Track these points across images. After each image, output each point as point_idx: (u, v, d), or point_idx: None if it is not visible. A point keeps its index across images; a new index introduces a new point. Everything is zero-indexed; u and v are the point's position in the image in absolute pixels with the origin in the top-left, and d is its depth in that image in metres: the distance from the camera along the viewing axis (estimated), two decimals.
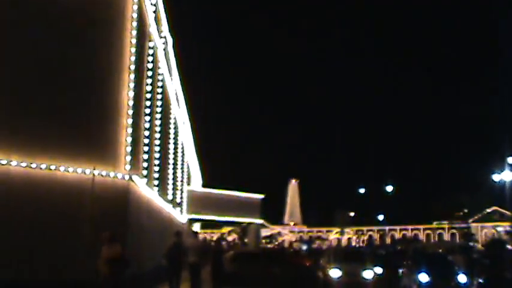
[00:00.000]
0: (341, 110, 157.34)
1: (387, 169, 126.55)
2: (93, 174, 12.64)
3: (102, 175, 12.95)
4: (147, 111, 15.76)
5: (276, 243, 75.86)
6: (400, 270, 18.11)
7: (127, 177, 13.31)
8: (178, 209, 27.81)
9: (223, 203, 40.24)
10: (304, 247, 69.97)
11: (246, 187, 46.19)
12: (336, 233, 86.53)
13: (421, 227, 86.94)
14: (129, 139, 13.49)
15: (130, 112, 13.64)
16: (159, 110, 18.23)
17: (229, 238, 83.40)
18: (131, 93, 13.79)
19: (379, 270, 19.88)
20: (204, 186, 48.06)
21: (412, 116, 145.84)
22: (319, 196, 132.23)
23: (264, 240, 72.81)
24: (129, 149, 13.42)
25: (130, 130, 13.54)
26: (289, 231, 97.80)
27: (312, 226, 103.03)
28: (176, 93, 25.49)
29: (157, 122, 18.12)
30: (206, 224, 60.97)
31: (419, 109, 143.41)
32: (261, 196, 43.60)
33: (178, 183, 27.37)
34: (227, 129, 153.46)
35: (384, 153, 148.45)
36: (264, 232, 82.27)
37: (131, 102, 13.72)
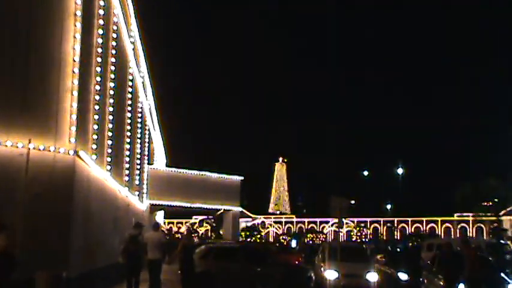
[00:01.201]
0: (338, 74, 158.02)
1: (397, 148, 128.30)
2: (28, 149, 12.44)
3: (39, 149, 12.83)
4: (98, 69, 15.58)
5: (259, 236, 76.65)
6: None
7: (72, 152, 13.22)
8: (137, 193, 27.87)
9: (193, 186, 40.42)
10: (294, 242, 70.91)
11: (222, 168, 46.49)
12: (333, 224, 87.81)
13: (439, 219, 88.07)
14: (75, 105, 13.35)
15: (77, 71, 13.46)
16: (113, 68, 18.03)
17: (201, 229, 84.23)
18: (77, 47, 13.59)
19: (403, 276, 19.69)
20: (169, 165, 48.12)
21: (428, 81, 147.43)
22: (312, 179, 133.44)
23: (243, 233, 73.47)
24: (74, 117, 13.29)
25: (76, 94, 13.39)
26: (274, 222, 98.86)
27: (302, 216, 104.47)
28: (136, 50, 25.23)
29: (111, 85, 17.96)
30: (172, 212, 61.28)
31: (438, 73, 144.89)
32: (240, 178, 43.92)
33: (138, 162, 27.36)
34: (201, 99, 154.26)
35: (393, 127, 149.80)
36: (244, 222, 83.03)
37: (77, 58, 13.52)
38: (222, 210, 45.48)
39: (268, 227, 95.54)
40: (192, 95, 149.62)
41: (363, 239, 77.62)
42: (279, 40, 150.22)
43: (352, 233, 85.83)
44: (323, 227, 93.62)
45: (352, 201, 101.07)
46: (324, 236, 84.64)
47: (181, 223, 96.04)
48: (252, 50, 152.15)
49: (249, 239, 73.82)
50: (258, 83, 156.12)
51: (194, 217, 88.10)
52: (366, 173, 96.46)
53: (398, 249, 33.03)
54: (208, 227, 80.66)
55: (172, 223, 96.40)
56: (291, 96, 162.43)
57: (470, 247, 15.49)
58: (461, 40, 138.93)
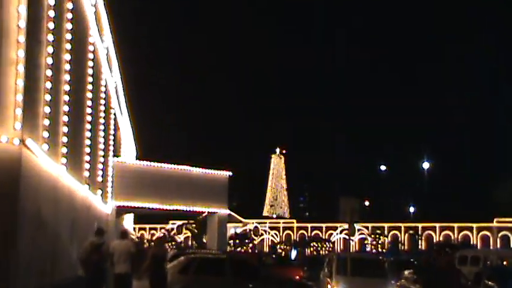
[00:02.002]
0: (324, 51, 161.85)
1: (422, 138, 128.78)
2: None
3: None
4: (51, 38, 15.45)
5: (251, 245, 76.87)
6: None
7: (17, 141, 13.11)
8: (100, 192, 27.83)
9: (170, 184, 40.37)
10: (294, 252, 71.21)
11: (207, 162, 46.37)
12: (342, 231, 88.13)
13: (474, 225, 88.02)
14: (21, 82, 13.21)
15: (23, 40, 13.32)
16: (69, 37, 17.91)
17: (179, 237, 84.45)
18: (23, 10, 13.42)
19: None
20: (140, 158, 48.08)
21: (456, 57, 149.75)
22: (316, 176, 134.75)
23: (232, 241, 73.63)
24: (20, 97, 13.17)
25: (22, 68, 13.26)
26: (270, 228, 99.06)
27: (305, 221, 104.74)
28: (98, 14, 25.09)
29: (67, 57, 17.84)
30: (144, 216, 61.39)
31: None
32: (228, 173, 43.92)
33: (101, 153, 27.30)
34: (182, 79, 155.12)
35: (417, 114, 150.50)
36: (233, 228, 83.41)
37: (23, 24, 13.36)
38: (205, 214, 45.45)
39: (262, 234, 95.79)
40: (173, 75, 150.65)
41: (380, 249, 78.08)
42: (266, 22, 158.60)
43: (366, 242, 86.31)
44: (330, 234, 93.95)
45: (366, 203, 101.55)
46: (331, 245, 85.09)
47: (156, 229, 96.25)
48: (239, 28, 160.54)
49: (239, 249, 74.10)
50: (246, 64, 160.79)
51: (171, 222, 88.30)
52: (383, 167, 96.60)
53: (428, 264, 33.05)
54: (189, 234, 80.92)
55: (144, 229, 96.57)
56: (279, 76, 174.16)
57: None
58: (447, 16, 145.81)
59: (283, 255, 65.63)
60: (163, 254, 17.52)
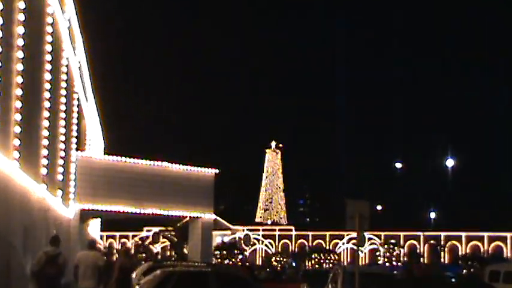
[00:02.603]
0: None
1: (446, 131, 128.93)
2: None
3: None
4: None
5: (241, 257, 76.62)
6: None
7: None
8: (61, 193, 27.74)
9: (145, 184, 40.35)
10: (292, 265, 71.09)
11: (190, 158, 46.30)
12: (350, 240, 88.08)
13: (508, 234, 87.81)
14: None
15: None
16: (22, 5, 17.76)
17: (155, 246, 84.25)
18: None
19: None
20: (109, 153, 47.95)
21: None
22: (319, 175, 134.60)
23: (218, 252, 73.45)
24: None
25: None
26: (264, 237, 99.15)
27: (305, 228, 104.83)
28: None
29: (21, 30, 17.73)
30: (113, 222, 61.28)
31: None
32: (214, 171, 43.94)
33: (62, 147, 27.22)
34: (163, 60, 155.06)
35: (440, 104, 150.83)
36: (220, 236, 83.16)
37: None
38: (187, 219, 45.44)
39: (254, 244, 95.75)
40: (154, 56, 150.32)
41: (394, 263, 78.07)
42: None
43: (378, 253, 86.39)
44: (335, 244, 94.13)
45: (379, 207, 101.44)
46: (337, 257, 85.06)
47: (127, 237, 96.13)
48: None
49: (226, 261, 73.96)
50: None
51: (146, 229, 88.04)
52: (398, 165, 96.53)
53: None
54: (167, 243, 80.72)
55: (114, 237, 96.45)
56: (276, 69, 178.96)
57: None
58: None
59: (279, 268, 65.50)
60: (130, 266, 17.55)
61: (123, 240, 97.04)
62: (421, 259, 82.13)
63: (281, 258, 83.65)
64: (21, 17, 17.70)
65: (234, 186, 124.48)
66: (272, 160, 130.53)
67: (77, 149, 34.94)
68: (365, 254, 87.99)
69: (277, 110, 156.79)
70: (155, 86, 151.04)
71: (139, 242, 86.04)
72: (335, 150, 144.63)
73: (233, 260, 75.60)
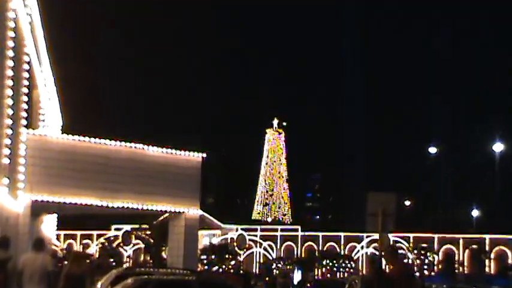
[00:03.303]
0: None
1: (493, 109, 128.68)
2: None
3: None
4: None
5: (234, 263, 76.76)
6: None
7: None
8: (7, 181, 27.54)
9: (114, 170, 40.15)
10: (297, 274, 71.04)
11: (172, 140, 45.95)
12: (370, 243, 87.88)
13: None
14: None
15: None
16: None
17: (126, 249, 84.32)
18: None
19: None
20: (70, 132, 47.74)
21: None
22: (333, 162, 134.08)
23: (205, 256, 73.48)
24: None
25: None
26: (262, 238, 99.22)
27: (313, 228, 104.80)
28: None
29: None
30: (74, 218, 61.02)
31: None
32: (202, 156, 43.79)
33: (8, 123, 27.03)
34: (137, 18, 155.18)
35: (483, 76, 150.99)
36: (207, 237, 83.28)
37: None
38: (166, 215, 45.35)
39: (251, 247, 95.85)
40: (132, 16, 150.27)
41: (427, 272, 78.10)
42: None
43: (406, 261, 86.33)
44: (352, 248, 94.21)
45: (407, 202, 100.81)
46: (353, 264, 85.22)
47: (90, 237, 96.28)
48: None
49: (215, 268, 74.08)
50: None
51: (115, 227, 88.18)
52: (432, 150, 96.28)
53: None
54: (141, 245, 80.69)
55: (74, 237, 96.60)
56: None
57: None
58: None
59: (281, 278, 65.48)
60: (81, 274, 17.55)
61: (85, 241, 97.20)
62: (460, 268, 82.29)
63: (283, 265, 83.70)
64: None
65: (225, 174, 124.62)
66: (273, 142, 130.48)
67: (27, 127, 34.62)
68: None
69: (281, 80, 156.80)
70: (132, 50, 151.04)
71: (106, 244, 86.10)
72: (352, 131, 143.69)
73: (224, 266, 75.72)
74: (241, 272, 68.44)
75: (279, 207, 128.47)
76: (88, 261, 48.22)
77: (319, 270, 79.21)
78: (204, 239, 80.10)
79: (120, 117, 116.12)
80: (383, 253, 19.29)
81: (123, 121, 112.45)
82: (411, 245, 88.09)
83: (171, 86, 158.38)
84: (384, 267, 18.20)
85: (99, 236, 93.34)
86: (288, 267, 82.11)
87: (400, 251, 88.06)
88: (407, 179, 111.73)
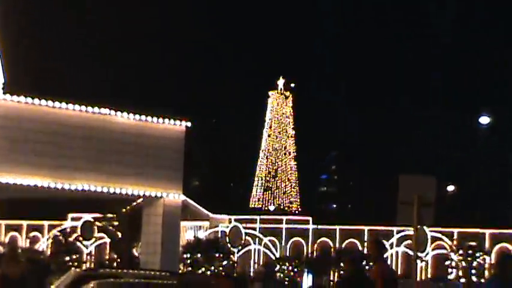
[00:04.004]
0: None
1: None
2: None
3: None
4: None
5: (226, 263, 76.93)
6: None
7: None
8: None
9: (73, 143, 40.20)
10: (307, 280, 71.14)
11: (147, 104, 45.82)
12: (402, 241, 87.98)
13: None
14: None
15: None
16: None
17: (86, 245, 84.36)
18: None
19: None
20: (14, 91, 47.73)
21: None
22: (353, 135, 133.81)
23: (189, 255, 73.47)
24: None
25: None
26: (262, 233, 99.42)
27: (329, 221, 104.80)
28: None
29: None
30: (20, 204, 61.03)
31: None
32: (185, 125, 43.83)
33: None
34: None
35: None
36: (191, 230, 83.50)
37: None
38: (139, 201, 45.49)
39: (248, 242, 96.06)
40: None
41: (475, 277, 78.22)
42: None
43: (448, 262, 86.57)
44: (376, 245, 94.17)
45: (450, 187, 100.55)
46: (380, 264, 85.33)
47: (40, 229, 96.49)
48: None
49: (202, 269, 74.34)
50: None
51: (72, 216, 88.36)
52: (484, 119, 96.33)
53: None
54: (106, 239, 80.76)
55: (18, 228, 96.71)
56: None
57: None
58: None
59: (286, 283, 65.76)
60: (20, 277, 17.65)
61: (33, 233, 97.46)
62: None
63: (290, 267, 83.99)
64: None
65: (216, 149, 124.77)
66: (278, 109, 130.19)
67: None
68: (427, 262, 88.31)
69: (289, 30, 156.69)
70: None
71: (61, 237, 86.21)
72: (381, 95, 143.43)
73: (213, 268, 76.02)
74: (235, 275, 68.72)
75: (285, 193, 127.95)
76: (31, 259, 48.38)
77: (335, 273, 79.55)
78: (188, 232, 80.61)
79: (83, 73, 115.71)
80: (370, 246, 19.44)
81: (87, 78, 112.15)
82: (455, 242, 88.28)
83: (149, 36, 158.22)
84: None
85: (51, 227, 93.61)
86: (296, 269, 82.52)
87: (441, 250, 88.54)
88: (452, 160, 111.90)
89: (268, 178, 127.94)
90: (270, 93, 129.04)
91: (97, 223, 78.66)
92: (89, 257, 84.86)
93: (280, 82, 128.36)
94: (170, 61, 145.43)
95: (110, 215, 68.42)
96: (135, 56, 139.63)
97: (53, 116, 40.03)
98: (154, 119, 43.21)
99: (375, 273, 16.96)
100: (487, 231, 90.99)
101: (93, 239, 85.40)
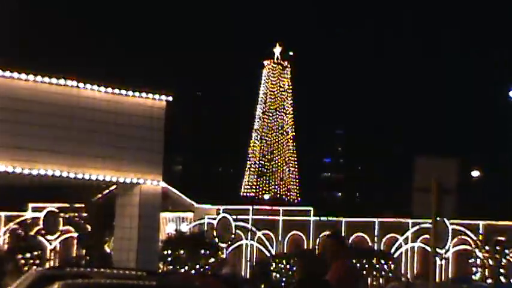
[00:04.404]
0: None
1: None
2: None
3: None
4: None
5: (214, 261, 77.03)
6: None
7: None
8: None
9: (35, 120, 40.12)
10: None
11: (124, 74, 45.66)
12: (419, 235, 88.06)
13: None
14: None
15: None
16: None
17: (51, 239, 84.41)
18: None
19: None
20: None
21: None
22: (364, 112, 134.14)
23: (170, 252, 73.60)
24: None
25: None
26: (255, 226, 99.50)
27: (333, 212, 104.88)
28: None
29: None
30: None
31: None
32: (166, 99, 43.79)
33: None
34: None
35: None
36: (172, 222, 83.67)
37: None
38: (112, 188, 45.44)
39: (239, 237, 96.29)
40: None
41: (503, 277, 78.22)
42: None
43: (472, 260, 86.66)
44: (391, 242, 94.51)
45: (475, 173, 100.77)
46: (393, 264, 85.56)
47: None
48: None
49: (185, 267, 74.40)
50: None
51: (33, 206, 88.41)
52: None
53: None
54: (73, 233, 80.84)
55: None
56: None
57: None
58: None
59: (283, 284, 65.93)
60: None
61: None
62: None
63: (288, 265, 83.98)
64: None
65: (201, 129, 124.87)
66: (274, 80, 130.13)
67: None
68: (448, 260, 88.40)
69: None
70: None
71: (20, 231, 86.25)
72: (397, 66, 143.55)
73: (198, 266, 76.17)
74: (224, 274, 68.87)
75: (282, 179, 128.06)
76: None
77: (340, 271, 79.46)
78: (169, 225, 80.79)
79: (49, 38, 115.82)
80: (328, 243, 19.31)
81: (53, 45, 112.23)
82: (481, 238, 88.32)
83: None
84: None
85: (8, 219, 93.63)
86: (296, 267, 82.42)
87: (464, 246, 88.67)
88: (475, 139, 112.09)
89: (262, 162, 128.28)
90: (264, 62, 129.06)
91: (62, 214, 78.64)
92: (53, 253, 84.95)
93: (277, 50, 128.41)
94: (147, 27, 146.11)
95: (77, 205, 68.37)
96: (114, 22, 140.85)
97: (12, 90, 39.86)
98: (130, 92, 43.03)
99: (332, 274, 16.87)
100: None
101: (58, 233, 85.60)
